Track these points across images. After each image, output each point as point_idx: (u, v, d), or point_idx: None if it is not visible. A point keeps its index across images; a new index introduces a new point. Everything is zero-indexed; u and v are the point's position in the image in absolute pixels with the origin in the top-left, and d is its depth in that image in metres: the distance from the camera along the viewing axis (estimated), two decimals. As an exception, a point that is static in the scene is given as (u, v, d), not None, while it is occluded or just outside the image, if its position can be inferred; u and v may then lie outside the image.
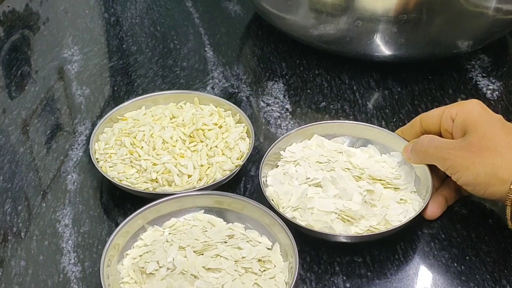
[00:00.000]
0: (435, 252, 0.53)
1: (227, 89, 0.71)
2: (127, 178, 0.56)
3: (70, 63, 0.76)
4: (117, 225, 0.54)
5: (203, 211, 0.54)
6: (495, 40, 0.75)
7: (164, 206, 0.53)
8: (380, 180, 0.55)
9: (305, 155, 0.58)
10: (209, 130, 0.60)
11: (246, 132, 0.61)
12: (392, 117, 0.67)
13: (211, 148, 0.58)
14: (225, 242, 0.50)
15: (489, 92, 0.71)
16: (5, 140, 0.65)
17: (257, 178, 0.57)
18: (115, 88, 0.73)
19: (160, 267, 0.49)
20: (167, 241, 0.51)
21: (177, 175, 0.56)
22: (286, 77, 0.73)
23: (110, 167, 0.57)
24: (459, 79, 0.73)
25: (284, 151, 0.59)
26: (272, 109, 0.68)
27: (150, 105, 0.64)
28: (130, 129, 0.60)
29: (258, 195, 0.57)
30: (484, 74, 0.73)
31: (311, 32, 0.71)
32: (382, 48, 0.69)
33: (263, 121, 0.67)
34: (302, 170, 0.57)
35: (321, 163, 0.57)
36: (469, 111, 0.53)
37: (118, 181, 0.56)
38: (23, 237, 0.55)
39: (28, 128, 0.67)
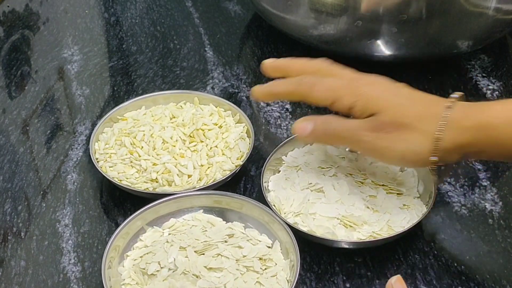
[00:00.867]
0: (435, 252, 0.53)
1: (227, 89, 0.71)
2: (127, 178, 0.56)
3: (70, 63, 0.76)
4: (117, 225, 0.54)
5: (202, 211, 0.54)
6: (495, 40, 0.75)
7: (163, 207, 0.53)
8: (382, 185, 0.55)
9: (307, 160, 0.58)
10: (209, 130, 0.60)
11: (246, 132, 0.61)
12: (392, 117, 0.67)
13: (211, 148, 0.58)
14: (226, 242, 0.50)
15: (489, 92, 0.71)
16: (5, 140, 0.65)
17: (257, 178, 0.57)
18: (115, 88, 0.73)
19: (161, 267, 0.49)
20: (168, 241, 0.51)
21: (177, 175, 0.56)
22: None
23: (110, 167, 0.57)
24: (459, 79, 0.73)
25: (286, 156, 0.59)
26: (272, 109, 0.68)
27: (150, 105, 0.64)
28: (130, 129, 0.60)
29: (258, 195, 0.57)
30: (484, 74, 0.73)
31: (311, 32, 0.71)
32: (382, 48, 0.69)
33: (263, 121, 0.67)
34: (304, 175, 0.56)
35: (323, 168, 0.57)
36: (368, 99, 0.49)
37: (118, 181, 0.56)
38: (23, 237, 0.55)
39: (28, 128, 0.67)
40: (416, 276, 0.51)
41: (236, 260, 0.49)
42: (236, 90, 0.71)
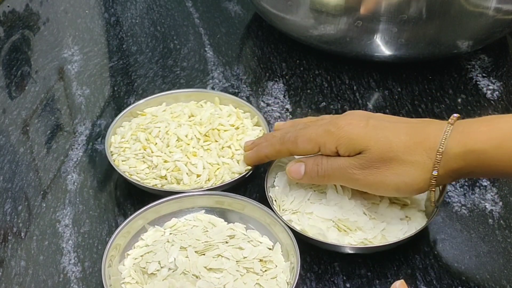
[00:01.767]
0: (435, 252, 0.53)
1: (227, 89, 0.71)
2: (137, 173, 0.57)
3: (70, 63, 0.76)
4: (117, 225, 0.54)
5: (203, 211, 0.54)
6: (495, 40, 0.75)
7: (165, 206, 0.53)
8: None
9: None
10: (224, 130, 0.60)
11: None
12: (392, 117, 0.67)
13: (223, 147, 0.58)
14: (226, 242, 0.50)
15: (489, 92, 0.71)
16: (5, 140, 0.65)
17: (261, 180, 0.57)
18: (115, 88, 0.73)
19: (161, 267, 0.49)
20: (168, 241, 0.51)
21: (187, 173, 0.56)
22: (286, 77, 0.73)
23: (122, 161, 0.58)
24: (459, 79, 0.73)
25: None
26: (272, 109, 0.68)
27: (171, 102, 0.64)
28: (147, 125, 0.60)
29: (260, 196, 0.57)
30: (484, 74, 0.73)
31: (311, 32, 0.71)
32: (382, 48, 0.69)
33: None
34: None
35: None
36: (349, 139, 0.50)
37: (129, 176, 0.56)
38: (23, 237, 0.55)
39: (28, 128, 0.67)
40: (417, 276, 0.51)
41: (237, 261, 0.49)
42: (236, 90, 0.71)
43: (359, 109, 0.68)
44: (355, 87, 0.71)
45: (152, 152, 0.58)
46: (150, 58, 0.77)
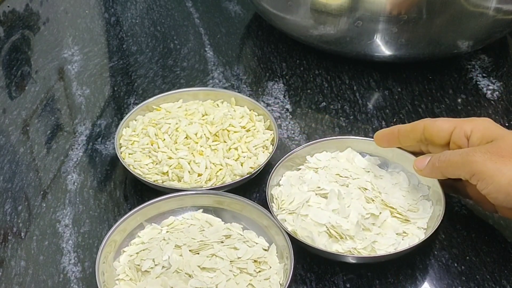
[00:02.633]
0: (435, 252, 0.53)
1: (227, 90, 0.71)
2: (140, 167, 0.57)
3: (70, 63, 0.76)
4: (117, 225, 0.54)
5: (202, 210, 0.54)
6: (495, 40, 0.75)
7: (164, 204, 0.53)
8: (391, 207, 0.53)
9: (330, 165, 0.57)
10: (234, 132, 0.60)
11: (271, 141, 0.60)
12: (392, 117, 0.67)
13: (230, 148, 0.58)
14: (222, 242, 0.50)
15: (489, 92, 0.71)
16: (5, 140, 0.65)
17: (262, 181, 0.57)
18: (115, 88, 0.73)
19: (155, 265, 0.49)
20: (164, 239, 0.51)
21: (188, 172, 0.56)
22: (286, 77, 0.73)
23: (129, 154, 0.58)
24: (459, 79, 0.73)
25: (311, 156, 0.58)
26: (272, 109, 0.68)
27: (188, 99, 0.64)
28: (159, 120, 0.60)
29: (260, 197, 0.57)
30: (484, 74, 0.73)
31: (311, 32, 0.71)
32: (382, 48, 0.69)
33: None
34: (316, 178, 0.56)
35: (341, 176, 0.56)
36: (486, 127, 0.51)
37: (132, 169, 0.56)
38: (23, 237, 0.55)
39: (28, 128, 0.67)
40: (417, 277, 0.51)
41: (230, 261, 0.49)
42: (237, 91, 0.71)
43: (359, 109, 0.68)
44: (355, 87, 0.71)
45: (159, 147, 0.58)
46: (150, 58, 0.77)
